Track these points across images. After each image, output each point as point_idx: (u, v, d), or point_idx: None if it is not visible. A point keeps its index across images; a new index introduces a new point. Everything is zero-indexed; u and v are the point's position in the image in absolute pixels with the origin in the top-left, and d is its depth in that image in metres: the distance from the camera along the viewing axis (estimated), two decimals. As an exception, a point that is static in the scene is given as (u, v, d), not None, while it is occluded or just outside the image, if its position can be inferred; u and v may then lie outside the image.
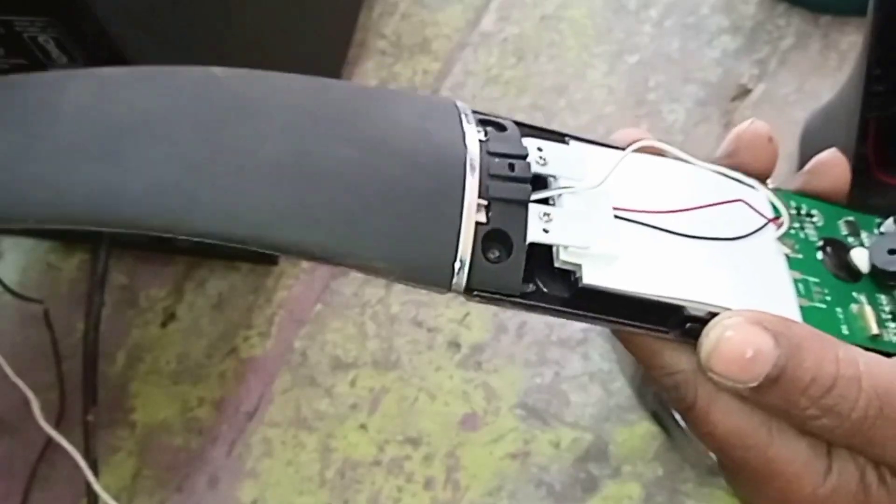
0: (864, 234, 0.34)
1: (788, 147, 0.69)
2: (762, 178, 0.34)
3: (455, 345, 0.66)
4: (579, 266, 0.29)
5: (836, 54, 0.72)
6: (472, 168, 0.28)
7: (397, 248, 0.28)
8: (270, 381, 0.68)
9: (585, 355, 0.64)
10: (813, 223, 0.34)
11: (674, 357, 0.30)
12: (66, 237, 0.75)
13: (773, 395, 0.28)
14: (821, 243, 0.34)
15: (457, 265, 0.28)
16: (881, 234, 0.34)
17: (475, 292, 0.28)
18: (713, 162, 0.33)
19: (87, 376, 0.66)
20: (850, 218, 0.35)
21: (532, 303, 0.29)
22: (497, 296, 0.28)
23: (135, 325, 0.72)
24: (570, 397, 0.63)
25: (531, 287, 0.29)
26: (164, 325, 0.72)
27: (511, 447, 0.63)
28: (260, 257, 0.71)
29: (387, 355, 0.67)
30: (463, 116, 0.30)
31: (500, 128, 0.31)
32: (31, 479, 0.67)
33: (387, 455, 0.64)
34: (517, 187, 0.29)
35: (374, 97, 0.30)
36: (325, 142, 0.28)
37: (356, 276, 0.70)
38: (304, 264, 0.71)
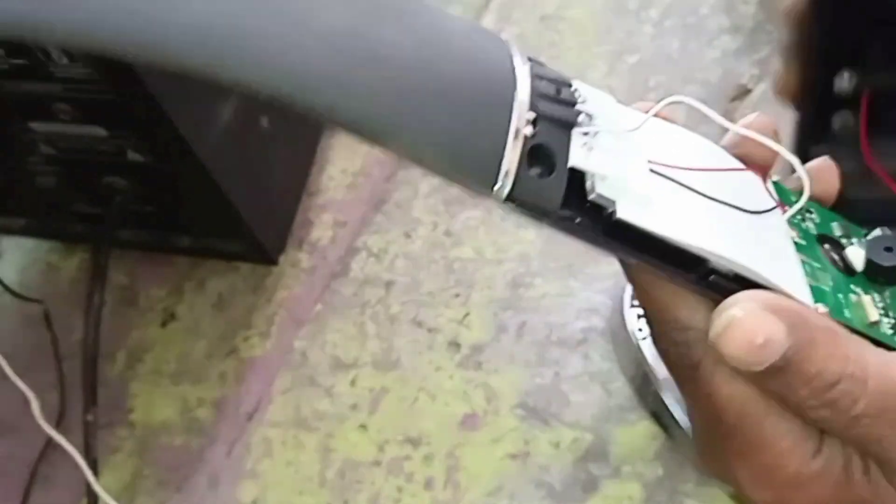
0: (854, 239, 0.35)
1: (789, 147, 0.69)
2: (764, 172, 0.34)
3: (455, 345, 0.66)
4: (614, 201, 0.29)
5: (836, 54, 0.71)
6: (523, 79, 0.28)
7: (448, 141, 0.27)
8: (270, 382, 0.68)
9: (585, 355, 0.64)
10: (811, 219, 0.35)
11: (690, 313, 0.30)
12: (66, 237, 0.75)
13: (776, 381, 0.28)
14: (819, 237, 0.34)
15: (502, 170, 0.27)
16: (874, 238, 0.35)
17: (516, 201, 0.28)
18: None
19: (86, 376, 0.66)
20: (843, 222, 0.36)
21: (568, 223, 0.29)
22: (535, 209, 0.28)
23: (135, 326, 0.72)
24: (570, 397, 0.63)
25: (567, 213, 0.29)
26: (164, 325, 0.72)
27: (511, 447, 0.63)
28: (260, 257, 0.71)
29: (387, 355, 0.67)
30: (506, 42, 0.30)
31: (539, 63, 0.31)
32: (31, 479, 0.68)
33: (387, 455, 0.64)
34: (564, 109, 0.29)
35: (430, 7, 0.29)
36: (380, 26, 0.26)
37: (357, 276, 0.70)
38: (305, 264, 0.71)
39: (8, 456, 0.69)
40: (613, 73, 0.73)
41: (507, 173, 0.27)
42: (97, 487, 0.63)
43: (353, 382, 0.67)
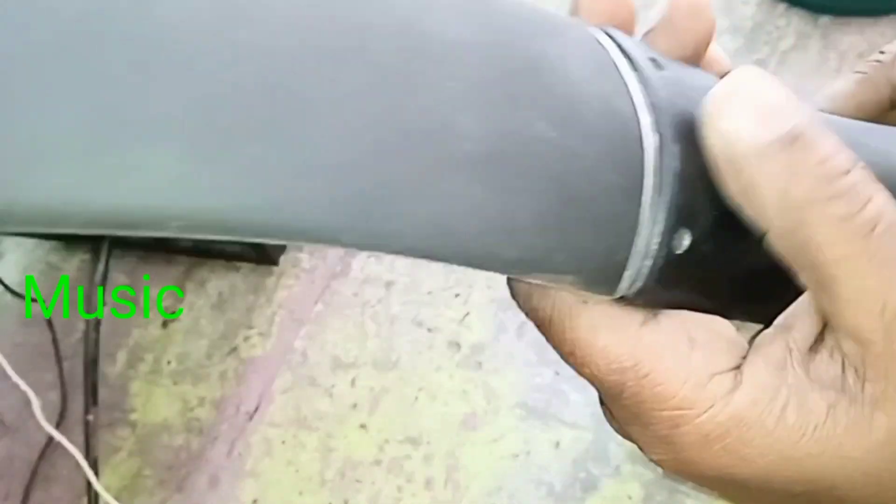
0: None
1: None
2: (700, 52, 0.29)
3: (455, 345, 0.66)
4: None
5: (835, 55, 0.72)
6: (651, 146, 0.22)
7: (586, 256, 0.22)
8: (271, 381, 0.68)
9: (585, 355, 0.64)
10: None
11: None
12: (67, 238, 0.75)
13: (779, 161, 0.24)
14: None
15: (627, 270, 0.22)
16: None
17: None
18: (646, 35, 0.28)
19: (87, 376, 0.66)
20: None
21: None
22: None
23: (135, 326, 0.72)
24: (570, 397, 0.63)
25: None
26: (164, 325, 0.72)
27: (511, 447, 0.63)
28: (260, 257, 0.71)
29: (387, 355, 0.67)
30: (617, 62, 0.23)
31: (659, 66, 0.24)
32: (32, 478, 0.68)
33: (387, 455, 0.65)
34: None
35: (540, 24, 0.22)
36: (522, 111, 0.20)
37: (357, 276, 0.70)
38: (305, 264, 0.72)
39: (9, 455, 0.69)
40: (613, 74, 0.73)
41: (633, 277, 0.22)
42: (98, 486, 0.64)
43: (353, 382, 0.67)
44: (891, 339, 0.24)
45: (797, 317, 0.26)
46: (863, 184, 0.24)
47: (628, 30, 0.26)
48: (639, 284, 0.23)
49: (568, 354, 0.26)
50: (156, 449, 0.68)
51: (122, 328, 0.72)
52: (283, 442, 0.66)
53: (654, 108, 0.22)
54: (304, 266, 0.72)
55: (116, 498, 0.65)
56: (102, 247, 0.64)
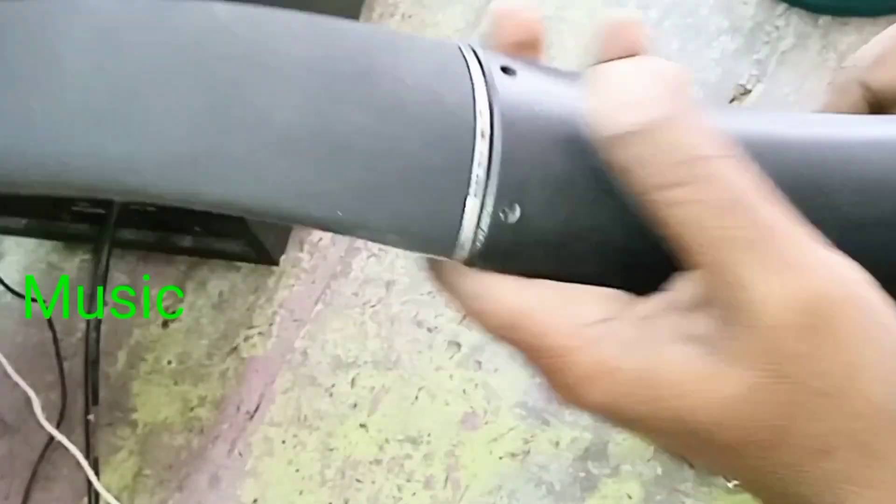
0: None
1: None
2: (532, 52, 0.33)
3: (455, 344, 0.67)
4: None
5: (834, 54, 0.72)
6: (483, 136, 0.28)
7: (408, 221, 0.28)
8: (271, 381, 0.68)
9: (585, 355, 0.64)
10: None
11: None
12: (67, 238, 0.75)
13: (630, 148, 0.27)
14: None
15: (461, 236, 0.28)
16: None
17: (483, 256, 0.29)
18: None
19: (88, 376, 0.66)
20: None
21: None
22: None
23: (136, 325, 0.72)
24: (570, 397, 0.63)
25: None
26: (165, 324, 0.72)
27: (511, 446, 0.63)
28: (261, 257, 0.71)
29: (387, 355, 0.67)
30: (473, 74, 0.29)
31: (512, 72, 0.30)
32: (33, 478, 0.68)
33: (387, 454, 0.65)
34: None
35: (386, 47, 0.28)
36: (342, 106, 0.27)
37: (357, 276, 0.70)
38: (305, 264, 0.72)
39: (9, 455, 0.69)
40: (613, 74, 0.73)
41: (465, 239, 0.28)
42: (98, 486, 0.64)
43: (353, 382, 0.67)
44: (741, 307, 0.27)
45: (685, 279, 0.29)
46: (704, 157, 0.27)
47: (535, 51, 0.32)
48: (478, 248, 0.28)
49: (468, 314, 0.31)
50: (156, 448, 0.68)
51: (122, 328, 0.72)
52: (284, 441, 0.66)
53: (493, 105, 0.28)
54: (304, 266, 0.72)
55: (117, 497, 0.65)
56: (103, 247, 0.64)
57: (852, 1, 0.72)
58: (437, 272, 0.31)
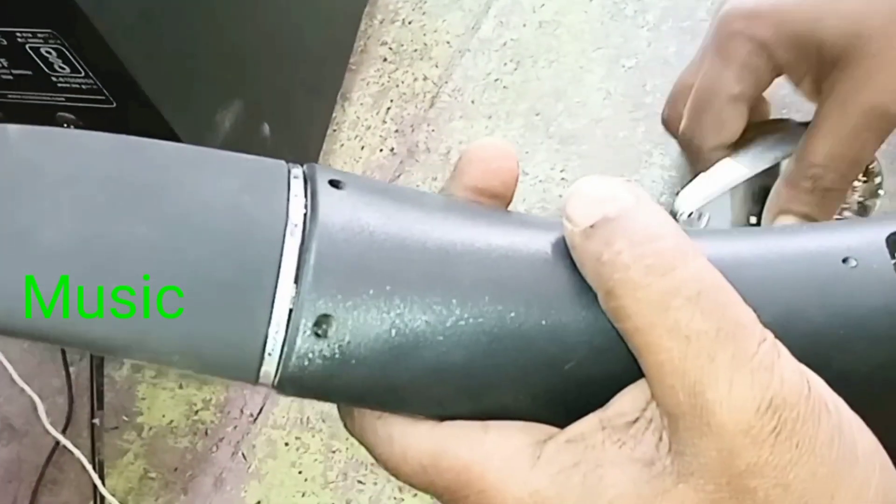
0: None
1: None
2: (504, 200, 0.32)
3: (455, 346, 0.67)
4: None
5: (831, 56, 0.72)
6: (294, 238, 0.26)
7: (194, 341, 0.25)
8: (274, 384, 0.69)
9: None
10: None
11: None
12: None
13: (601, 234, 0.26)
14: None
15: (266, 354, 0.25)
16: None
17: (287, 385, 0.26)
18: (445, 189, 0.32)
19: (94, 380, 0.67)
20: None
21: None
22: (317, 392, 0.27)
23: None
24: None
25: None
26: (169, 329, 0.73)
27: (511, 447, 0.64)
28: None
29: (388, 357, 0.68)
30: (293, 180, 0.27)
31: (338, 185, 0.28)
32: (39, 482, 0.69)
33: (389, 456, 0.65)
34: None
35: (190, 165, 0.27)
36: (120, 219, 0.25)
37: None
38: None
39: (16, 459, 0.70)
40: (611, 77, 0.74)
41: (272, 354, 0.25)
42: (104, 490, 0.65)
43: (355, 384, 0.68)
44: (696, 414, 0.25)
45: (622, 394, 0.27)
46: (668, 252, 0.26)
47: (506, 192, 0.31)
48: (290, 371, 0.25)
49: (385, 468, 0.29)
50: (161, 451, 0.69)
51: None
52: (287, 444, 0.67)
53: (308, 215, 0.26)
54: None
55: (122, 501, 0.66)
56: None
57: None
58: (349, 417, 0.29)
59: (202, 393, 0.70)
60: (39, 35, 0.45)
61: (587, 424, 0.27)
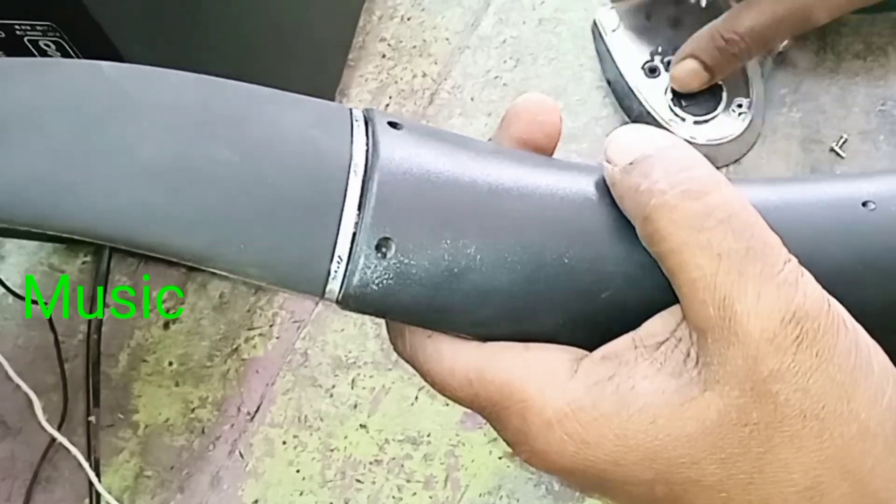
0: None
1: (787, 148, 0.69)
2: (547, 151, 0.34)
3: (454, 345, 0.67)
4: None
5: (832, 55, 0.72)
6: (356, 174, 0.28)
7: (270, 256, 0.28)
8: (272, 382, 0.69)
9: (584, 355, 0.64)
10: None
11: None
12: (68, 240, 0.75)
13: (640, 170, 0.29)
14: None
15: (332, 272, 0.28)
16: None
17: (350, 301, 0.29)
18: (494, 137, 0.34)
19: (89, 377, 0.66)
20: None
21: None
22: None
23: (137, 327, 0.72)
24: (569, 396, 0.63)
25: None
26: (166, 326, 0.72)
27: (510, 446, 0.63)
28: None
29: (387, 355, 0.67)
30: (356, 122, 0.30)
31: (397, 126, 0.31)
32: (34, 479, 0.68)
33: (387, 454, 0.65)
34: None
35: (266, 101, 0.30)
36: (206, 144, 0.28)
37: (356, 277, 0.71)
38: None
39: (11, 457, 0.70)
40: (611, 75, 0.74)
41: (335, 274, 0.28)
42: (100, 488, 0.64)
43: (353, 382, 0.67)
44: (725, 326, 0.27)
45: (654, 319, 0.29)
46: (702, 180, 0.28)
47: (549, 143, 0.34)
48: (352, 288, 0.28)
49: (433, 385, 0.32)
50: (158, 449, 0.68)
51: (123, 330, 0.72)
52: (284, 442, 0.67)
53: (370, 151, 0.29)
54: (304, 267, 0.72)
55: (118, 499, 0.65)
56: (104, 248, 0.65)
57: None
58: (400, 338, 0.32)
59: (199, 391, 0.70)
60: (38, 28, 0.45)
61: (621, 343, 0.29)
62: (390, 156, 0.29)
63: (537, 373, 0.29)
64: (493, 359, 0.30)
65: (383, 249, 0.28)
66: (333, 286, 0.29)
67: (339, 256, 0.28)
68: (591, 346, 0.30)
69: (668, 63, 0.69)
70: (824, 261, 0.30)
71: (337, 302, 0.29)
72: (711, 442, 0.27)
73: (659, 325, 0.29)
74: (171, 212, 0.27)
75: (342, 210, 0.28)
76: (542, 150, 0.34)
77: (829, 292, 0.28)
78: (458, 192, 0.29)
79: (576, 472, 0.29)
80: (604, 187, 0.31)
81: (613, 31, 0.71)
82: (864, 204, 0.31)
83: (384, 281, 0.29)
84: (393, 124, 0.30)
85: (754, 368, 0.27)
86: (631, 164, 0.29)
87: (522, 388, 0.29)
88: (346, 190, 0.28)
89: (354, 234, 0.28)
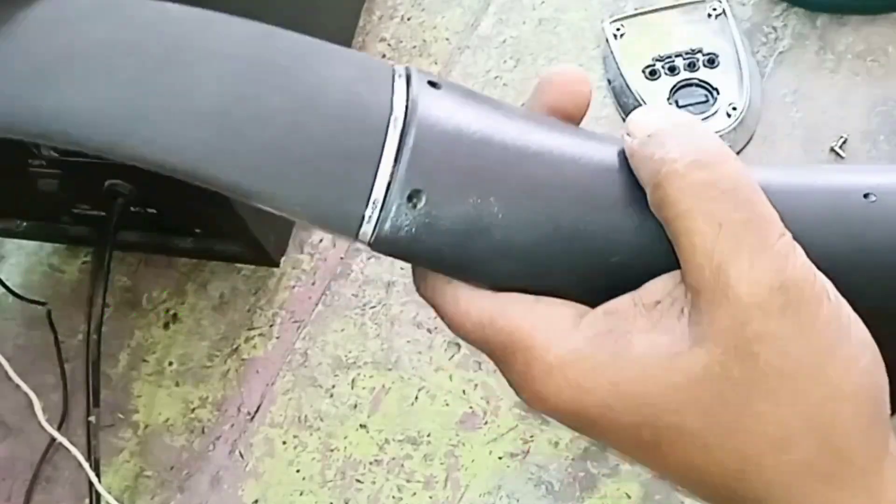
0: None
1: (787, 148, 0.69)
2: (575, 120, 0.36)
3: (455, 345, 0.67)
4: None
5: (832, 55, 0.72)
6: (395, 128, 0.30)
7: (312, 196, 0.30)
8: (272, 382, 0.69)
9: (584, 355, 0.64)
10: None
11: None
12: (68, 240, 0.75)
13: (654, 142, 0.31)
14: None
15: (366, 216, 0.30)
16: None
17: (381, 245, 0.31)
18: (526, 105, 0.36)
19: (89, 377, 0.66)
20: None
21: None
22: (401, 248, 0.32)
23: (137, 327, 0.72)
24: (569, 396, 0.63)
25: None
26: (166, 326, 0.72)
27: (510, 446, 0.64)
28: (261, 259, 0.71)
29: (387, 355, 0.67)
30: (397, 78, 0.32)
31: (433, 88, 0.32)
32: (34, 479, 0.68)
33: (387, 454, 0.65)
34: None
35: (317, 52, 0.32)
36: (261, 89, 0.30)
37: (357, 277, 0.71)
38: (305, 266, 0.72)
39: (11, 457, 0.70)
40: (611, 75, 0.74)
41: (368, 219, 0.31)
42: (99, 488, 0.64)
43: (353, 382, 0.67)
44: (718, 289, 0.29)
45: (653, 281, 0.32)
46: (711, 151, 0.30)
47: (578, 112, 0.36)
48: (385, 231, 0.30)
49: (449, 325, 0.34)
50: (158, 450, 0.68)
51: (124, 330, 0.72)
52: (284, 442, 0.67)
53: (409, 107, 0.31)
54: (304, 268, 0.72)
55: (118, 499, 0.65)
56: (104, 249, 0.65)
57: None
58: (422, 281, 0.34)
59: (199, 391, 0.70)
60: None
61: (622, 301, 0.32)
62: (427, 113, 0.31)
63: (543, 323, 0.31)
64: (506, 307, 0.32)
65: (414, 200, 0.30)
66: (367, 229, 0.30)
67: (374, 202, 0.30)
68: (596, 304, 0.32)
69: (669, 67, 0.70)
70: (822, 245, 0.32)
71: (369, 244, 0.31)
72: (695, 393, 0.30)
73: (658, 286, 0.31)
74: (225, 151, 0.30)
75: (380, 160, 0.30)
76: (571, 118, 0.36)
77: (827, 276, 0.30)
78: (489, 152, 0.31)
79: (571, 414, 0.32)
80: (623, 159, 0.33)
81: (617, 37, 0.73)
82: (865, 196, 0.33)
83: (413, 229, 0.31)
84: (433, 83, 0.32)
85: (740, 329, 0.29)
86: (649, 136, 0.31)
87: (529, 335, 0.31)
88: (384, 142, 0.30)
89: (389, 184, 0.30)
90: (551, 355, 0.31)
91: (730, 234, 0.29)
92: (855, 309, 0.31)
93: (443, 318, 0.34)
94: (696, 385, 0.30)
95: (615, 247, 0.32)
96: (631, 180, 0.32)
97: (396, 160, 0.30)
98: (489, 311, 0.32)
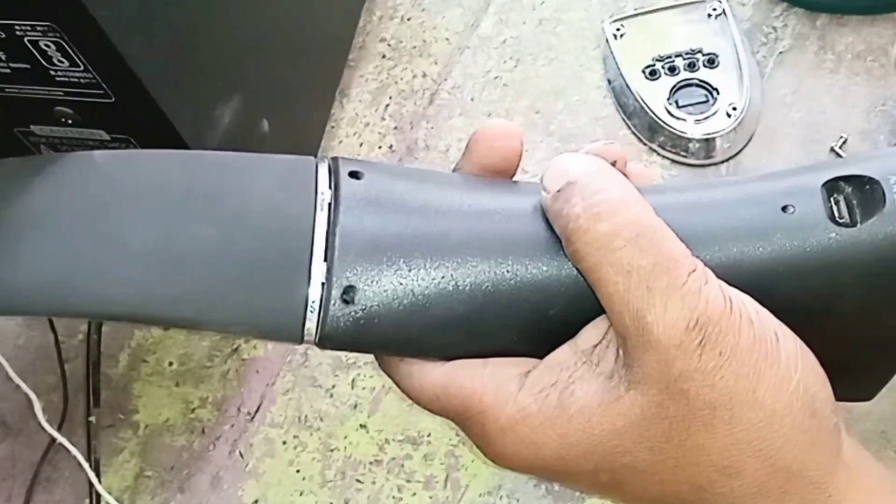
0: None
1: (787, 148, 0.69)
2: (508, 174, 0.37)
3: (454, 345, 0.67)
4: None
5: (832, 55, 0.72)
6: (321, 233, 0.32)
7: (252, 315, 0.32)
8: (272, 382, 0.69)
9: (584, 355, 0.64)
10: None
11: None
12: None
13: (563, 196, 0.32)
14: None
15: (307, 321, 0.32)
16: None
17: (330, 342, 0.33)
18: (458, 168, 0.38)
19: (89, 378, 0.66)
20: None
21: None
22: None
23: (137, 327, 0.72)
24: (569, 396, 0.63)
25: None
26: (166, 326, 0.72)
27: (510, 446, 0.63)
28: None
29: (387, 356, 0.67)
30: (320, 178, 0.33)
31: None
32: (34, 480, 0.68)
33: (387, 454, 0.65)
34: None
35: (238, 170, 0.34)
36: (188, 223, 0.31)
37: (356, 277, 0.71)
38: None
39: (11, 457, 0.70)
40: (611, 75, 0.74)
41: (310, 326, 0.32)
42: (100, 488, 0.64)
43: (353, 383, 0.67)
44: (639, 334, 0.30)
45: (589, 326, 0.33)
46: (611, 202, 0.31)
47: (509, 167, 0.37)
48: (327, 330, 0.32)
49: (409, 398, 0.36)
50: (158, 450, 0.68)
51: (124, 330, 0.72)
52: (284, 442, 0.67)
53: (334, 205, 0.32)
54: (304, 267, 0.72)
55: (118, 499, 0.65)
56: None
57: None
58: (381, 359, 0.37)
59: (199, 391, 0.70)
60: (38, 28, 0.45)
61: (562, 351, 0.33)
62: (350, 209, 0.32)
63: (492, 386, 0.33)
64: (455, 377, 0.34)
65: (350, 294, 0.32)
66: (310, 331, 0.32)
67: (312, 307, 0.32)
68: (543, 354, 0.34)
69: (669, 67, 0.70)
70: (747, 264, 0.33)
71: (315, 344, 0.33)
72: (638, 433, 0.31)
73: (593, 332, 0.33)
74: (161, 292, 0.31)
75: (310, 267, 0.31)
76: (502, 173, 0.37)
77: (755, 289, 0.32)
78: (413, 234, 0.32)
79: (533, 469, 0.33)
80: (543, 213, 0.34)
81: (617, 37, 0.73)
82: (783, 209, 0.33)
83: (354, 323, 0.32)
84: (354, 174, 0.34)
85: (666, 370, 0.30)
86: (559, 191, 0.32)
87: (480, 400, 0.33)
88: (311, 248, 0.32)
89: (323, 285, 0.32)
90: (503, 417, 0.32)
91: (640, 281, 0.30)
92: (786, 317, 0.32)
93: (403, 392, 0.36)
94: (639, 426, 0.31)
95: (550, 299, 0.33)
96: (555, 233, 0.33)
97: (326, 260, 0.32)
98: (441, 382, 0.34)
